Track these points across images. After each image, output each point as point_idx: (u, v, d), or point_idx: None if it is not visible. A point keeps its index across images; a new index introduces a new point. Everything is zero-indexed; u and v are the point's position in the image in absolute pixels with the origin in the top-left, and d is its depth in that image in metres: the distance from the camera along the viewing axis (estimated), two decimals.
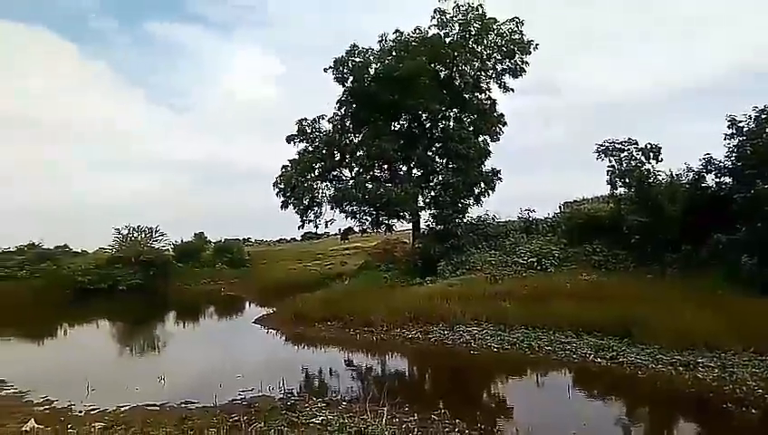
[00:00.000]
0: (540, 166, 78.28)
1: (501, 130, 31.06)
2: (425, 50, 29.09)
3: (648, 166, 21.60)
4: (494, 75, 30.45)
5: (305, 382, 13.52)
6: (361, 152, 30.94)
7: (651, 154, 21.71)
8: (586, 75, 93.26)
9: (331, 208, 31.39)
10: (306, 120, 31.95)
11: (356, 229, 32.28)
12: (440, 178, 29.88)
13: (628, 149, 22.06)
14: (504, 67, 30.03)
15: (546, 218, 27.41)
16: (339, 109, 32.16)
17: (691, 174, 20.46)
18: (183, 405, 10.83)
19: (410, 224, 31.58)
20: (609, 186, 22.45)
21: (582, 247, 22.19)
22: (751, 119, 18.39)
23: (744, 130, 18.46)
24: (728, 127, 18.78)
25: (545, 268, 21.55)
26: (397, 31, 30.68)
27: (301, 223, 32.22)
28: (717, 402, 9.88)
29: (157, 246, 44.99)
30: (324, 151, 31.51)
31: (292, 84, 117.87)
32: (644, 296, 15.67)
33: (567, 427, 8.94)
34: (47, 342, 23.23)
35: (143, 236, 44.96)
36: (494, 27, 29.45)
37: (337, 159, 31.83)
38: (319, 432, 8.17)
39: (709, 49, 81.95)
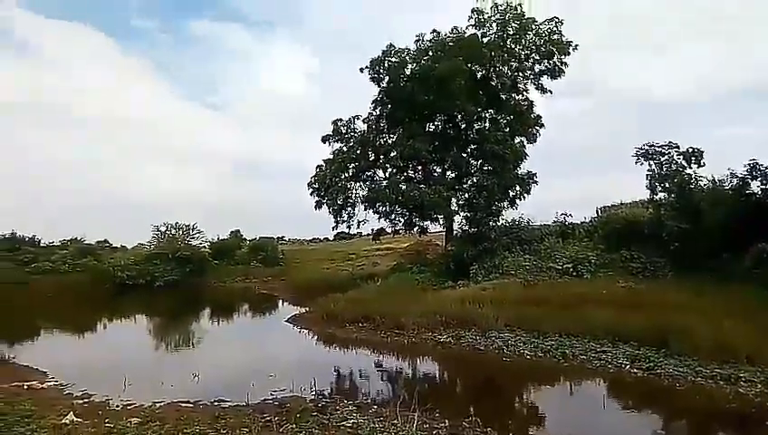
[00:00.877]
0: (578, 169, 77.05)
1: (538, 131, 30.72)
2: (462, 50, 28.90)
3: (689, 171, 21.05)
4: (531, 76, 30.09)
5: (336, 384, 13.53)
6: (395, 153, 30.87)
7: (693, 158, 21.16)
8: (627, 76, 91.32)
9: (365, 209, 31.50)
10: (341, 120, 32.14)
11: (388, 230, 32.32)
12: (474, 181, 29.67)
13: (669, 153, 21.55)
14: (543, 68, 29.64)
15: (583, 223, 26.94)
16: (374, 109, 32.28)
17: (735, 180, 19.74)
18: (216, 403, 10.93)
19: (443, 226, 31.44)
20: (648, 190, 21.98)
21: (620, 254, 21.69)
22: None
23: None
24: None
25: (581, 274, 21.13)
26: (434, 31, 30.70)
27: (334, 223, 32.48)
28: (759, 418, 9.51)
29: (194, 244, 45.97)
30: (359, 151, 31.62)
31: (329, 83, 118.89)
32: (683, 306, 15.20)
33: None
34: (87, 335, 23.88)
35: (181, 233, 46.00)
36: (533, 27, 29.10)
37: (371, 159, 31.89)
38: None
39: (756, 50, 79.00)
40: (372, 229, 33.25)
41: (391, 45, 30.73)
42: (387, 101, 31.55)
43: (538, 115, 30.81)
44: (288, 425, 8.74)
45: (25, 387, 12.15)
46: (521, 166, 29.80)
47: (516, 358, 14.49)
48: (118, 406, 10.88)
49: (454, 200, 29.93)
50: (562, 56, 28.99)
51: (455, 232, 29.77)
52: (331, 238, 61.56)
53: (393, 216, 30.88)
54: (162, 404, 10.81)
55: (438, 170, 31.42)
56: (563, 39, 28.79)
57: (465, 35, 30.00)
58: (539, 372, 13.59)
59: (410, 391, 10.97)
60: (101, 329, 25.80)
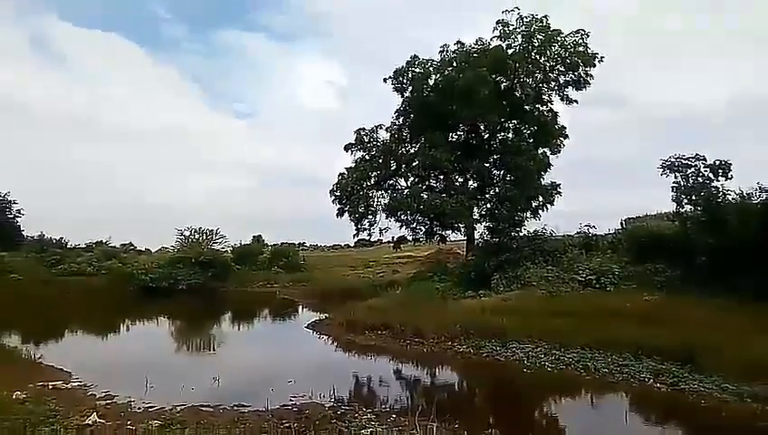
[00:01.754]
0: (602, 180, 76.07)
1: (562, 142, 30.52)
2: (486, 61, 28.84)
3: (716, 183, 20.67)
4: (556, 87, 29.93)
5: (355, 391, 13.54)
6: (417, 162, 30.95)
7: (720, 171, 20.72)
8: (654, 88, 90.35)
9: (386, 217, 31.57)
10: (364, 129, 32.34)
11: (409, 238, 32.34)
12: (497, 191, 29.55)
13: (696, 166, 21.14)
14: (567, 79, 29.44)
15: (607, 235, 26.63)
16: (396, 118, 32.43)
17: (764, 194, 19.30)
18: (236, 408, 11.01)
19: (464, 235, 31.35)
20: (674, 203, 21.62)
21: (644, 267, 21.34)
22: None
23: None
24: None
25: (604, 286, 20.85)
26: (458, 42, 30.74)
27: (356, 231, 32.61)
28: None
29: (216, 248, 46.45)
30: (381, 160, 31.78)
31: (352, 93, 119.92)
32: (709, 322, 14.89)
33: None
34: (110, 337, 24.28)
35: (204, 237, 46.53)
36: (558, 39, 28.94)
37: (393, 168, 32.01)
38: None
39: None
40: (393, 237, 33.27)
41: (415, 56, 30.93)
42: (410, 110, 31.68)
43: (562, 126, 30.66)
44: (307, 432, 8.78)
45: (50, 387, 12.38)
46: (544, 177, 29.65)
47: (537, 370, 14.33)
48: (139, 408, 11.03)
49: (476, 210, 29.86)
50: (588, 68, 28.75)
51: (476, 241, 29.64)
52: (352, 245, 61.76)
53: (414, 224, 30.97)
54: (183, 407, 10.92)
55: (460, 180, 31.40)
56: (589, 51, 28.59)
57: (490, 47, 29.98)
58: (560, 384, 13.41)
59: (429, 401, 10.95)
60: (124, 331, 26.21)
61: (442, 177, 31.44)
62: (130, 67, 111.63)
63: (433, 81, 30.65)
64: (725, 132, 78.10)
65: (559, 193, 29.45)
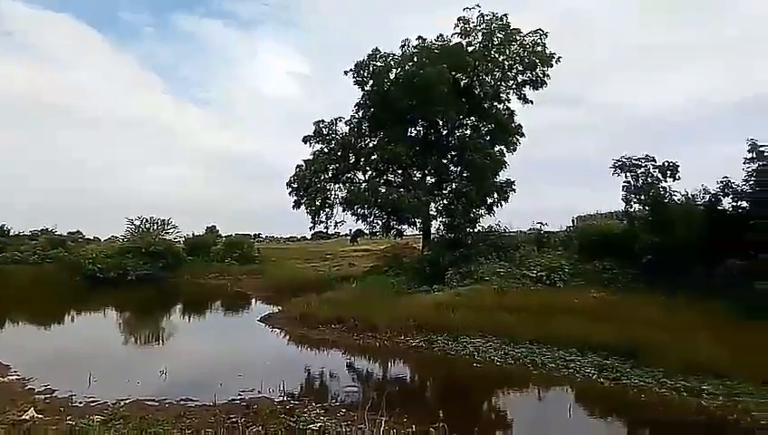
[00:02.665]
0: (555, 179, 77.46)
1: (518, 141, 30.89)
2: (446, 57, 29.00)
3: (664, 184, 21.36)
4: (514, 86, 30.26)
5: (306, 385, 13.46)
6: (376, 156, 30.91)
7: (668, 172, 21.45)
8: (609, 90, 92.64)
9: (343, 210, 31.56)
10: (324, 121, 32.13)
11: (366, 232, 32.33)
12: (454, 187, 29.79)
13: (646, 166, 21.82)
14: (525, 78, 29.84)
15: (558, 232, 27.21)
16: (356, 112, 32.31)
17: (707, 196, 20.08)
18: (182, 402, 10.81)
19: (421, 230, 31.54)
20: (623, 202, 22.26)
21: (593, 264, 21.93)
22: None
23: (765, 154, 18.13)
24: (748, 151, 18.43)
25: (554, 283, 21.31)
26: (419, 37, 30.80)
27: (312, 223, 32.40)
28: (720, 430, 9.69)
29: (168, 238, 45.37)
30: (339, 153, 31.65)
31: (314, 84, 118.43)
32: (652, 318, 15.41)
33: None
34: (54, 328, 23.50)
35: (155, 227, 45.38)
36: (518, 38, 29.31)
37: (351, 161, 31.90)
38: None
39: (745, 71, 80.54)
40: (350, 230, 33.23)
41: (377, 50, 30.80)
42: (370, 104, 31.58)
43: (519, 125, 31.06)
44: (254, 427, 8.64)
45: None
46: (500, 174, 30.04)
47: (487, 364, 14.56)
48: (81, 402, 10.72)
49: (432, 205, 30.03)
50: (545, 68, 29.22)
51: (432, 237, 29.84)
52: (309, 238, 61.36)
53: (371, 218, 31.00)
54: (127, 402, 10.67)
55: (418, 175, 31.49)
56: (547, 51, 29.05)
57: (451, 43, 30.15)
58: (508, 378, 13.67)
59: (380, 395, 10.95)
60: (69, 322, 25.36)
61: (400, 171, 31.49)
62: (85, 51, 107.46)
63: (394, 75, 30.60)
64: (677, 136, 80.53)
65: (513, 190, 29.88)
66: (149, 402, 10.71)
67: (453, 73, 29.17)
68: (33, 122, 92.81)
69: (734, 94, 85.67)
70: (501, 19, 29.53)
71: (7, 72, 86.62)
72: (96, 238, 54.90)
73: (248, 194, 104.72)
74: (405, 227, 31.75)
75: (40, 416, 9.14)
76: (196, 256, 46.71)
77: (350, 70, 31.23)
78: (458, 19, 30.12)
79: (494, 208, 29.76)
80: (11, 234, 45.34)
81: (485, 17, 29.69)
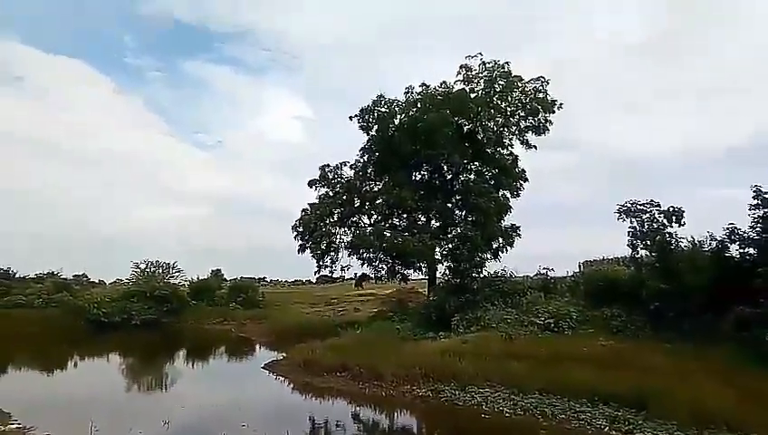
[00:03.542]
0: (561, 223, 77.50)
1: (522, 185, 31.12)
2: (449, 103, 29.60)
3: (670, 229, 21.29)
4: (516, 132, 30.70)
5: None
6: (381, 200, 31.14)
7: (674, 217, 21.39)
8: (613, 134, 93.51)
9: (348, 254, 31.49)
10: (329, 165, 32.52)
11: (371, 277, 32.19)
12: (459, 231, 29.77)
13: (651, 211, 21.79)
14: (528, 124, 30.28)
15: (565, 277, 27.03)
16: (361, 156, 32.67)
17: (714, 243, 19.97)
18: None
19: (426, 275, 31.41)
20: (629, 248, 22.15)
21: (601, 311, 21.66)
22: None
23: None
24: (753, 197, 18.41)
25: (562, 330, 21.05)
26: (423, 84, 31.44)
27: (317, 267, 32.35)
28: None
29: (173, 282, 45.32)
30: (344, 197, 31.84)
31: (317, 129, 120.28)
32: (661, 367, 15.18)
33: None
34: (56, 374, 23.26)
35: (160, 271, 45.41)
36: (519, 85, 29.88)
37: (356, 205, 32.09)
38: None
39: (738, 116, 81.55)
40: (355, 275, 33.06)
41: (381, 96, 31.34)
42: (375, 148, 31.97)
43: (522, 169, 31.34)
44: None
45: None
46: (505, 218, 30.10)
47: (495, 415, 14.26)
48: None
49: (438, 249, 29.97)
50: (547, 114, 29.69)
51: (437, 281, 29.69)
52: (314, 281, 61.13)
53: (376, 262, 30.91)
54: None
55: (423, 219, 31.59)
56: (548, 97, 29.56)
57: (454, 90, 30.74)
58: (517, 430, 13.34)
59: None
60: (72, 368, 25.11)
61: (405, 215, 31.60)
62: (93, 94, 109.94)
63: (398, 120, 31.10)
64: (679, 180, 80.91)
65: (518, 235, 29.96)
66: None
67: (456, 119, 29.68)
68: (41, 167, 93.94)
69: (730, 138, 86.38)
70: (503, 66, 30.18)
71: (10, 114, 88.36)
72: (101, 281, 55.00)
73: (252, 237, 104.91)
74: (410, 271, 31.65)
75: None
76: (201, 299, 46.53)
77: (356, 115, 31.74)
78: (461, 66, 30.87)
79: (500, 253, 29.86)
80: (16, 276, 45.46)
81: (487, 65, 30.36)
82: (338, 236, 32.16)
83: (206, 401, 17.77)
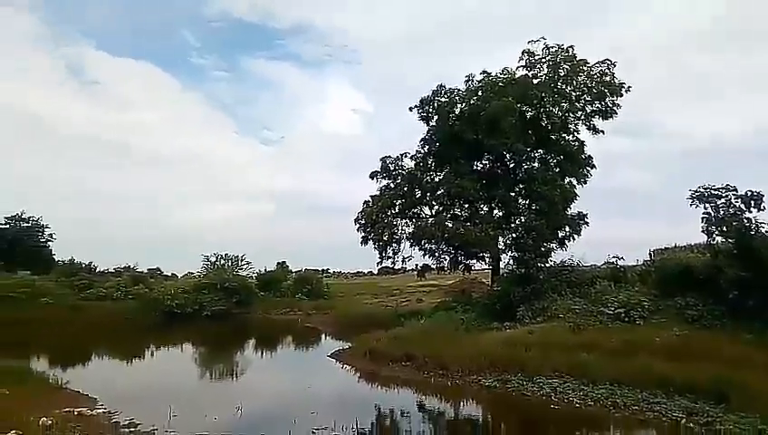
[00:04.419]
0: (631, 211, 74.71)
1: (589, 172, 30.12)
2: (512, 90, 28.98)
3: (748, 215, 20.17)
4: (582, 117, 29.70)
5: (377, 424, 13.39)
6: (442, 190, 30.86)
7: (752, 202, 20.23)
8: (682, 119, 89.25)
9: (410, 245, 31.47)
10: (390, 157, 32.44)
11: (433, 267, 32.10)
12: (522, 220, 29.20)
13: (726, 196, 20.68)
14: (594, 109, 29.28)
15: (635, 266, 26.05)
16: (422, 147, 32.43)
17: None
18: None
19: (489, 265, 31.06)
20: (704, 234, 21.12)
21: (674, 300, 20.75)
22: None
23: None
24: None
25: (633, 320, 20.29)
26: (484, 71, 30.90)
27: (380, 259, 32.50)
28: None
29: (241, 274, 46.77)
30: (405, 188, 31.75)
31: (377, 121, 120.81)
32: (742, 358, 14.41)
33: None
34: (135, 362, 24.46)
35: (229, 263, 46.96)
36: (584, 69, 28.93)
37: (418, 196, 31.95)
38: None
39: None
40: (417, 265, 33.07)
41: (441, 85, 31.03)
42: (435, 139, 31.71)
43: (589, 156, 30.31)
44: None
45: (76, 413, 12.45)
46: (571, 206, 29.31)
47: (565, 405, 14.01)
48: None
49: (501, 239, 29.55)
50: (615, 97, 28.63)
51: (501, 271, 29.29)
52: (376, 273, 61.66)
53: (438, 253, 30.79)
54: None
55: (485, 209, 31.12)
56: (615, 80, 28.49)
57: (516, 76, 30.12)
58: (588, 420, 13.08)
59: None
60: (149, 357, 26.37)
61: (467, 205, 31.23)
62: (161, 95, 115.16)
63: (459, 110, 30.71)
64: (753, 164, 76.28)
65: (586, 223, 29.09)
66: None
67: (519, 106, 29.02)
68: (114, 165, 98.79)
69: None
70: (567, 51, 29.29)
71: (89, 116, 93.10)
72: (174, 275, 57.37)
73: (316, 229, 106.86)
74: (473, 261, 31.38)
75: None
76: (268, 291, 47.90)
77: (416, 106, 31.58)
78: (523, 52, 30.13)
79: (566, 242, 29.11)
80: (97, 271, 48.17)
81: (551, 49, 29.53)
82: (399, 228, 32.13)
83: (275, 388, 18.35)
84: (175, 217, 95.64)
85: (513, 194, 30.43)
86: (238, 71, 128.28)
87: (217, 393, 18.17)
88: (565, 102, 29.41)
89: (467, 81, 31.01)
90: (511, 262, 28.11)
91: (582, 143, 30.39)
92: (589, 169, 30.11)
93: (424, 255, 31.12)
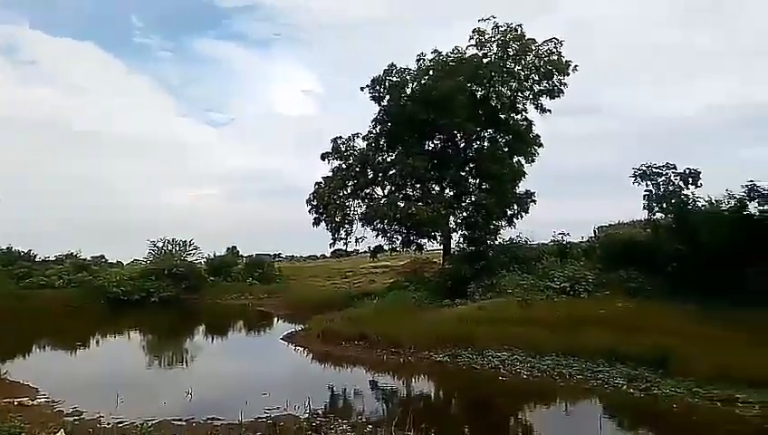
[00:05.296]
0: (576, 189, 76.42)
1: (536, 151, 30.62)
2: (462, 69, 29.08)
3: (686, 191, 21.01)
4: (531, 96, 30.10)
5: (331, 403, 13.36)
6: (394, 171, 30.88)
7: (690, 179, 21.09)
8: (628, 97, 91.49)
9: (362, 226, 31.44)
10: (341, 138, 32.18)
11: (386, 248, 32.21)
12: (473, 199, 29.58)
13: (666, 174, 21.50)
14: (542, 88, 29.66)
15: (581, 242, 26.86)
16: (373, 127, 32.30)
17: (733, 201, 19.62)
18: (209, 421, 10.75)
19: (441, 244, 31.39)
20: (646, 211, 21.92)
21: (617, 274, 21.53)
22: None
23: None
24: None
25: (578, 294, 20.97)
26: (435, 51, 30.80)
27: (332, 240, 32.38)
28: None
29: (190, 260, 45.75)
30: (357, 169, 31.62)
31: (329, 101, 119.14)
32: (681, 328, 15.09)
33: None
34: (79, 351, 23.60)
35: (177, 249, 45.83)
36: (533, 48, 29.24)
37: (370, 177, 31.90)
38: None
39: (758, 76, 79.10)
40: (369, 247, 33.10)
41: (393, 65, 30.87)
42: (387, 119, 31.60)
43: (537, 135, 30.82)
44: None
45: (15, 403, 11.98)
46: (519, 185, 29.86)
47: (513, 377, 14.36)
48: (109, 424, 10.66)
49: (452, 218, 29.89)
50: (562, 76, 29.09)
51: (452, 250, 29.65)
52: (329, 256, 61.38)
53: (391, 233, 30.87)
54: (154, 422, 10.62)
55: (437, 188, 31.33)
56: (563, 59, 28.93)
57: (466, 55, 30.22)
58: (536, 391, 13.46)
59: (406, 411, 10.82)
60: (94, 345, 25.52)
61: (418, 185, 31.33)
62: (103, 76, 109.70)
63: (410, 89, 30.66)
64: (693, 142, 79.25)
65: (533, 201, 29.74)
66: (177, 422, 10.67)
67: (469, 85, 29.22)
68: (53, 150, 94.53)
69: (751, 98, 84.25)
70: (516, 29, 29.51)
71: (27, 97, 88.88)
72: (119, 262, 55.51)
73: (267, 213, 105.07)
74: (425, 241, 31.62)
75: None
76: (218, 276, 47.02)
77: (367, 86, 31.34)
78: (473, 31, 30.12)
79: (515, 220, 29.71)
80: (37, 259, 46.21)
81: (500, 28, 29.67)
82: (352, 209, 32.06)
83: (227, 373, 18.08)
84: (119, 202, 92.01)
85: (463, 173, 30.75)
86: (183, 51, 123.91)
87: (167, 380, 17.74)
88: (514, 82, 29.72)
89: (418, 60, 30.97)
90: (461, 240, 28.49)
91: (531, 123, 30.83)
92: (536, 147, 30.63)
93: (376, 235, 31.18)
